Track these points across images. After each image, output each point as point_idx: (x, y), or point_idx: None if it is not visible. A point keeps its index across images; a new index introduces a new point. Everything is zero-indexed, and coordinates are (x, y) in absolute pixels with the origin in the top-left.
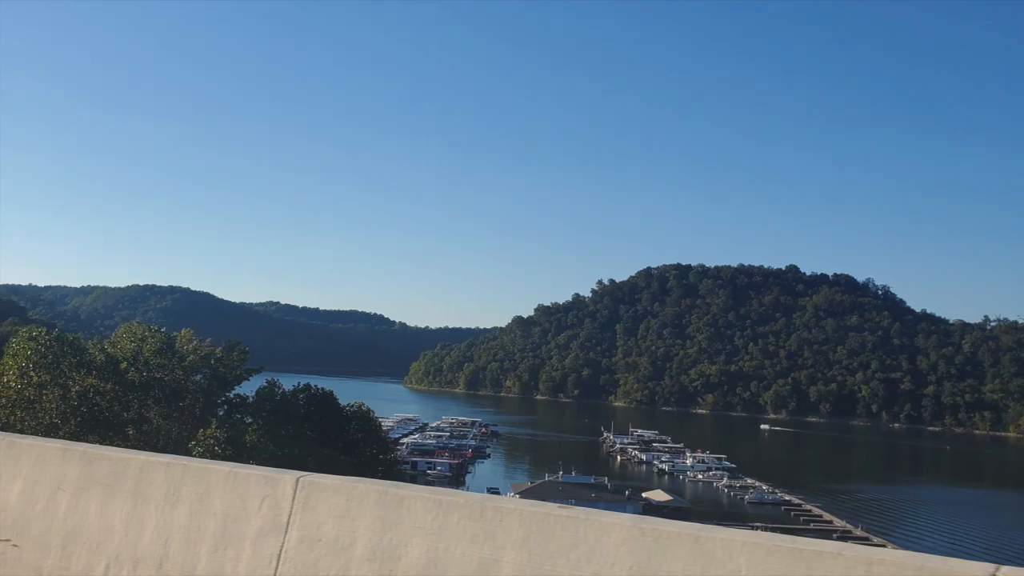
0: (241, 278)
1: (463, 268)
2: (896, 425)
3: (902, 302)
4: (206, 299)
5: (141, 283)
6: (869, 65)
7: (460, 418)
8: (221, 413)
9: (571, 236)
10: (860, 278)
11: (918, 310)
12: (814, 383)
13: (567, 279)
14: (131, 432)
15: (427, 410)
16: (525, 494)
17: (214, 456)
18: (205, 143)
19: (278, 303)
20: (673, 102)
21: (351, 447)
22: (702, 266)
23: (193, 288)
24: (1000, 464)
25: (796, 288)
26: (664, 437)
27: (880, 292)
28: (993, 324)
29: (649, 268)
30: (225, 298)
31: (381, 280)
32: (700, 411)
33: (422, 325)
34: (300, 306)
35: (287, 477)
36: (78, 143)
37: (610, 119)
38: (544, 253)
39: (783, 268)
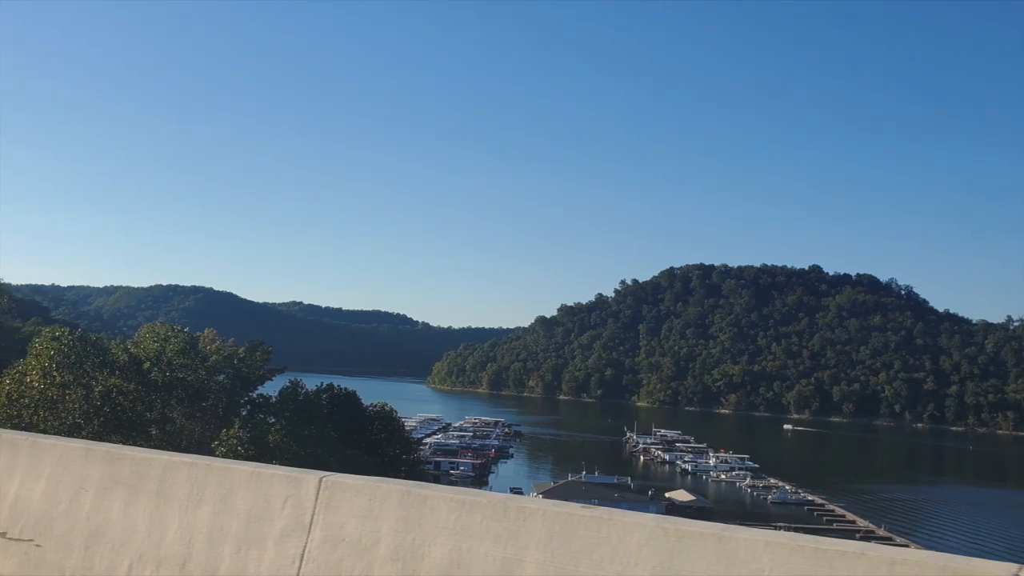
0: (264, 278)
1: (486, 268)
2: (919, 425)
3: (925, 302)
4: (229, 299)
5: (164, 283)
6: (893, 64)
7: (483, 418)
8: (244, 413)
9: (594, 236)
10: (883, 278)
11: (941, 310)
12: (837, 383)
13: (590, 279)
14: (154, 432)
15: (450, 410)
16: (548, 494)
17: (237, 456)
18: (228, 143)
19: (301, 303)
20: (697, 102)
21: (374, 447)
22: (725, 266)
23: (216, 288)
24: (1023, 464)
25: (819, 288)
26: (687, 437)
27: (903, 292)
28: (1016, 324)
29: (672, 268)
30: (248, 298)
31: (404, 280)
32: (723, 411)
33: (445, 325)
34: (323, 306)
35: (310, 477)
36: (101, 143)
37: (633, 119)
38: (567, 253)
39: (806, 268)
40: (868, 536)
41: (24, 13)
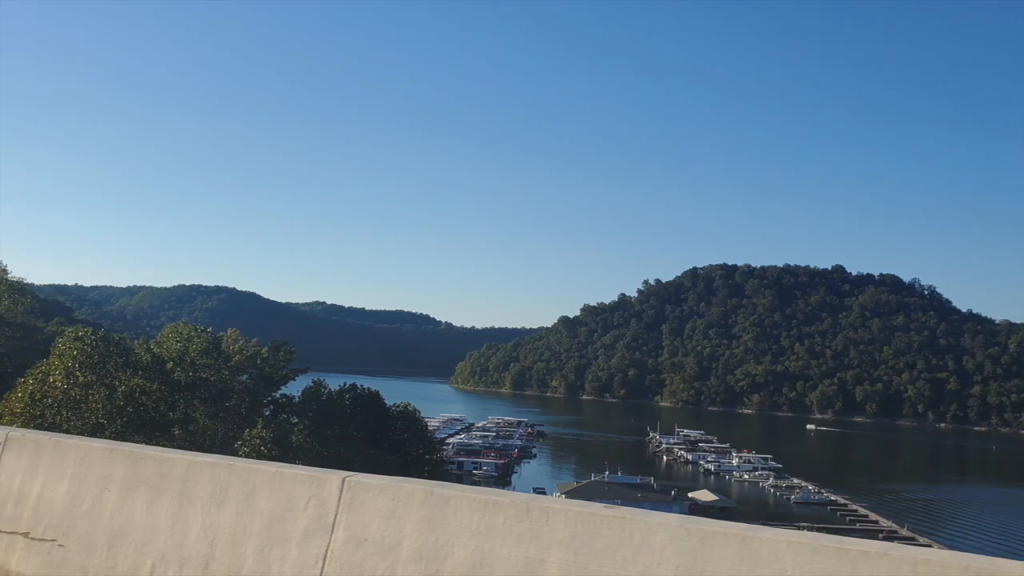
0: (287, 278)
1: (509, 268)
2: (942, 425)
3: (948, 302)
4: (252, 299)
5: (187, 283)
6: (917, 64)
7: (506, 418)
8: (267, 413)
9: (617, 236)
10: (906, 278)
11: (964, 310)
12: (860, 383)
13: (613, 279)
14: (177, 432)
15: (473, 410)
16: (571, 494)
17: (260, 456)
18: (252, 143)
19: (324, 303)
20: (721, 103)
21: (397, 447)
22: (748, 266)
23: (239, 288)
24: None
25: (842, 288)
26: (710, 437)
27: (926, 292)
28: None
29: (695, 268)
30: (271, 298)
31: (427, 280)
32: (746, 411)
33: (468, 325)
34: (346, 306)
35: (333, 477)
36: (125, 143)
37: (657, 119)
38: (590, 253)
39: (829, 268)
40: (891, 536)
41: (49, 14)
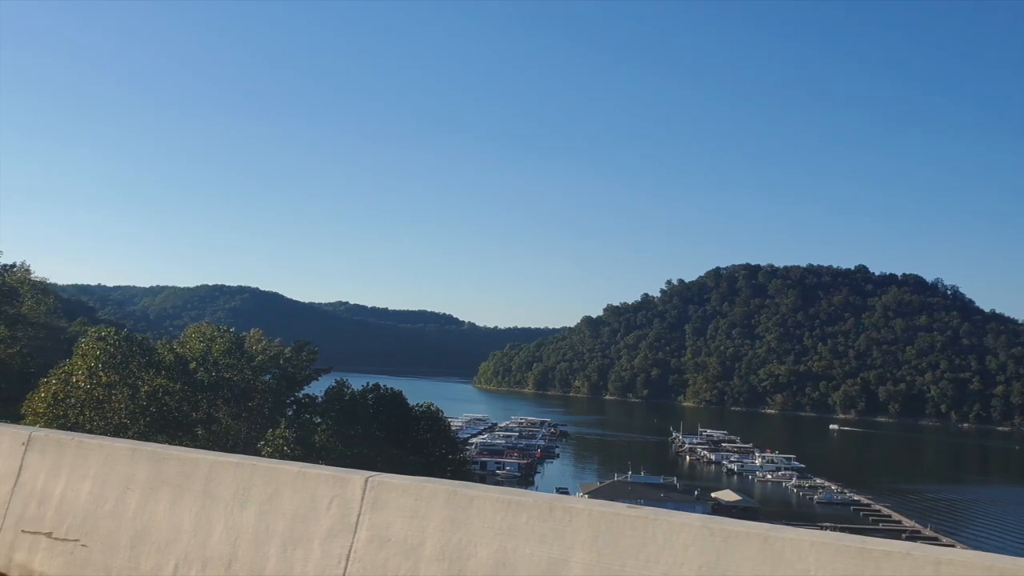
0: (310, 278)
1: (532, 268)
2: (965, 425)
3: (971, 302)
4: (275, 299)
5: (210, 283)
6: (940, 64)
7: (529, 418)
8: (290, 413)
9: (640, 236)
10: (929, 278)
11: (987, 310)
12: (883, 383)
13: (636, 279)
14: (200, 432)
15: (496, 410)
16: (594, 494)
17: (283, 456)
18: (275, 143)
19: (347, 303)
20: (743, 103)
21: (420, 447)
22: (771, 266)
23: (262, 288)
24: None
25: (865, 288)
26: (733, 437)
27: (949, 292)
28: None
29: (718, 268)
30: (294, 298)
31: (450, 280)
32: (769, 411)
33: (491, 325)
34: (369, 306)
35: (356, 477)
36: (148, 143)
37: (680, 120)
38: (613, 254)
39: (852, 268)
40: (914, 536)
41: (73, 14)
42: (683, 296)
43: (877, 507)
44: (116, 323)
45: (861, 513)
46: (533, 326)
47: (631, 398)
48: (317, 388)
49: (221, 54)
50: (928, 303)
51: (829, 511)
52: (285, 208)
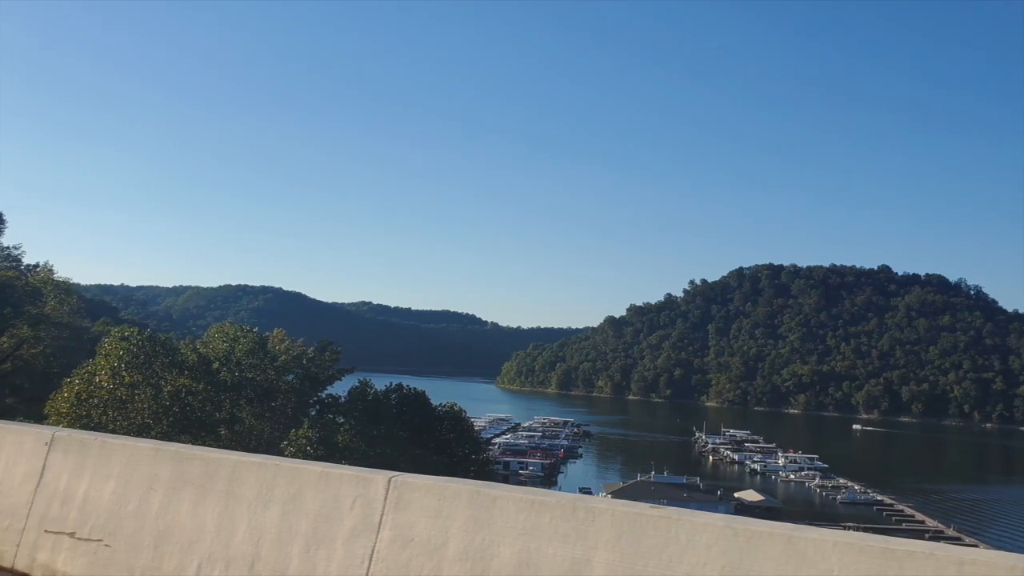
0: (333, 278)
1: (555, 268)
2: (988, 425)
3: (994, 302)
4: (298, 299)
5: (233, 283)
6: (963, 63)
7: (552, 418)
8: (313, 413)
9: (663, 236)
10: (952, 278)
11: (1010, 310)
12: (906, 383)
13: (659, 279)
14: (223, 432)
15: (519, 410)
16: (617, 494)
17: (306, 456)
18: (298, 142)
19: (370, 303)
20: (766, 102)
21: (443, 447)
22: (794, 266)
23: (285, 288)
24: None
25: (888, 288)
26: (756, 437)
27: (972, 292)
28: None
29: (741, 268)
30: (317, 298)
31: (473, 280)
32: (792, 411)
33: (514, 325)
34: (392, 306)
35: (379, 477)
36: (171, 143)
37: (702, 119)
38: (636, 254)
39: (875, 268)
40: (937, 536)
41: (97, 13)
42: (706, 296)
43: (900, 507)
44: (139, 323)
45: (884, 513)
46: (556, 326)
47: (654, 398)
48: (340, 388)
49: (245, 53)
50: (951, 303)
51: (852, 511)
52: (309, 208)
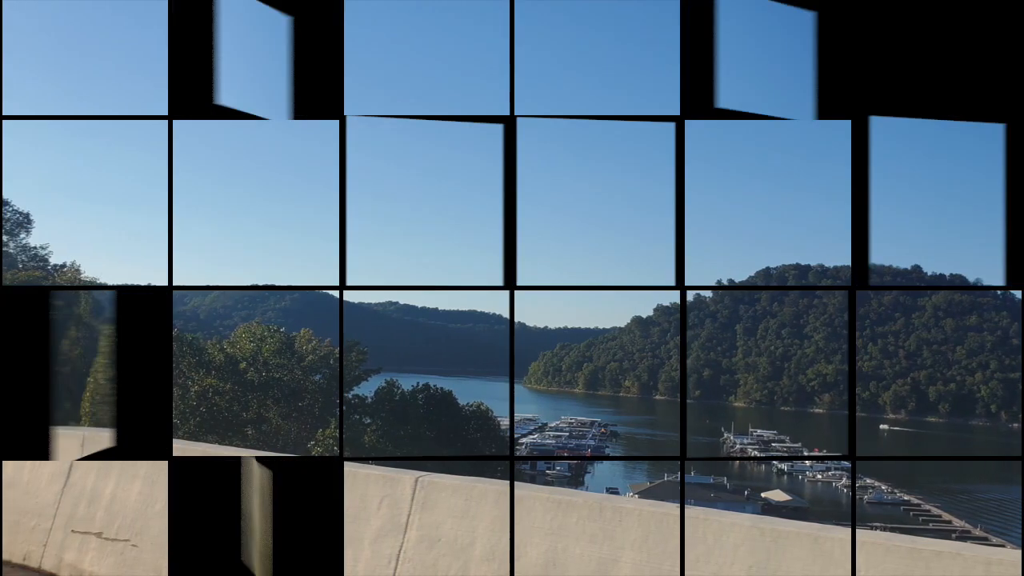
0: (360, 278)
1: (582, 268)
2: (1015, 425)
3: (1021, 302)
4: (325, 299)
5: (260, 283)
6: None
7: (579, 418)
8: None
9: (690, 235)
10: (974, 278)
11: None
12: (933, 383)
13: (687, 279)
14: (250, 432)
15: (546, 410)
16: (644, 494)
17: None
18: (321, 140)
19: (397, 303)
20: (788, 98)
21: (470, 447)
22: (821, 266)
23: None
24: None
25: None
26: (783, 437)
27: (999, 292)
28: None
29: (768, 268)
30: (344, 298)
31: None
32: (818, 411)
33: (541, 325)
34: (419, 306)
35: (406, 477)
36: (198, 143)
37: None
38: (662, 253)
39: (908, 268)
40: (964, 536)
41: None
42: (734, 295)
43: (927, 507)
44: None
45: (911, 513)
46: (583, 326)
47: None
48: (367, 388)
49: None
50: (978, 303)
51: (879, 511)
52: (335, 207)
